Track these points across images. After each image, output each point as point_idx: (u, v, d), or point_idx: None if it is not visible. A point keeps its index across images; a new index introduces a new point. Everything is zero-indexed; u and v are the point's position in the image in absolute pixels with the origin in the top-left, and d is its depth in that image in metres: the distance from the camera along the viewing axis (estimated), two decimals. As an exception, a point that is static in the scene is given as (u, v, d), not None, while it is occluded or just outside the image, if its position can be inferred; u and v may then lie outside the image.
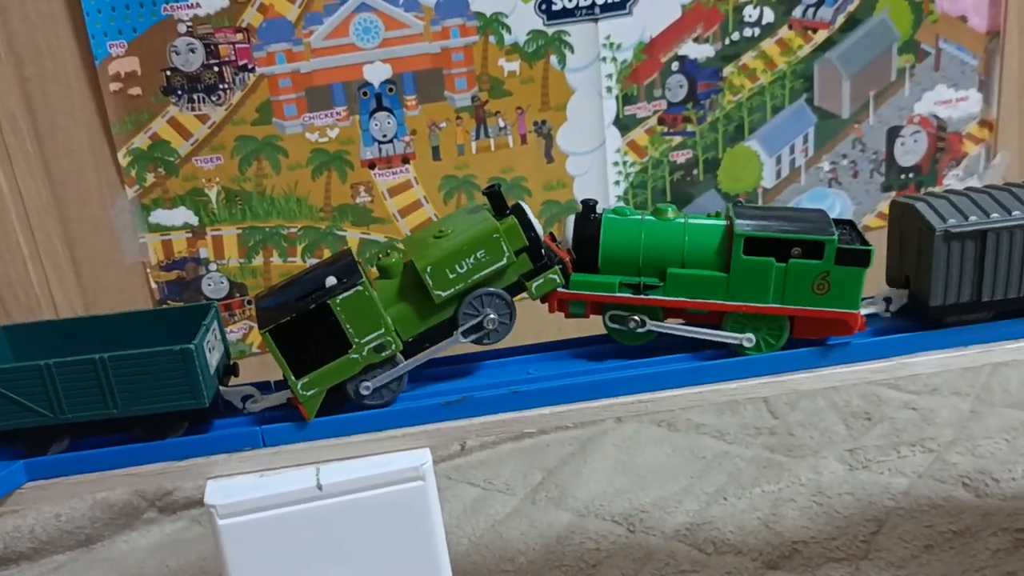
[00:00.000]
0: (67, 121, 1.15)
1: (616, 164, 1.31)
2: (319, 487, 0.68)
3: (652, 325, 0.72)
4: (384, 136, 1.24)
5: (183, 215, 1.21)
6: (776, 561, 1.03)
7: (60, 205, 1.18)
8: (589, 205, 0.73)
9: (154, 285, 1.23)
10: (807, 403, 1.31)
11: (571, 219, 0.73)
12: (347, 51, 1.20)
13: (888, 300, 0.75)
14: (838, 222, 0.73)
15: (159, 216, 1.21)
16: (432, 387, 0.74)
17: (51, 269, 1.18)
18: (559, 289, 0.72)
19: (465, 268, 0.68)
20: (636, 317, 0.72)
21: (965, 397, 1.29)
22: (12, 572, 1.14)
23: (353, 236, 1.27)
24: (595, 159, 1.31)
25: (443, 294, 0.69)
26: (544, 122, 1.27)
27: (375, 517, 0.69)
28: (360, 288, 0.67)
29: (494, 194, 0.70)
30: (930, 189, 1.24)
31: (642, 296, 0.72)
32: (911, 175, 1.40)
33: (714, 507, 1.13)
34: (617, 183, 1.32)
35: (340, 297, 0.67)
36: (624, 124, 1.30)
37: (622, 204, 0.75)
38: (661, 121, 1.31)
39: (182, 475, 0.70)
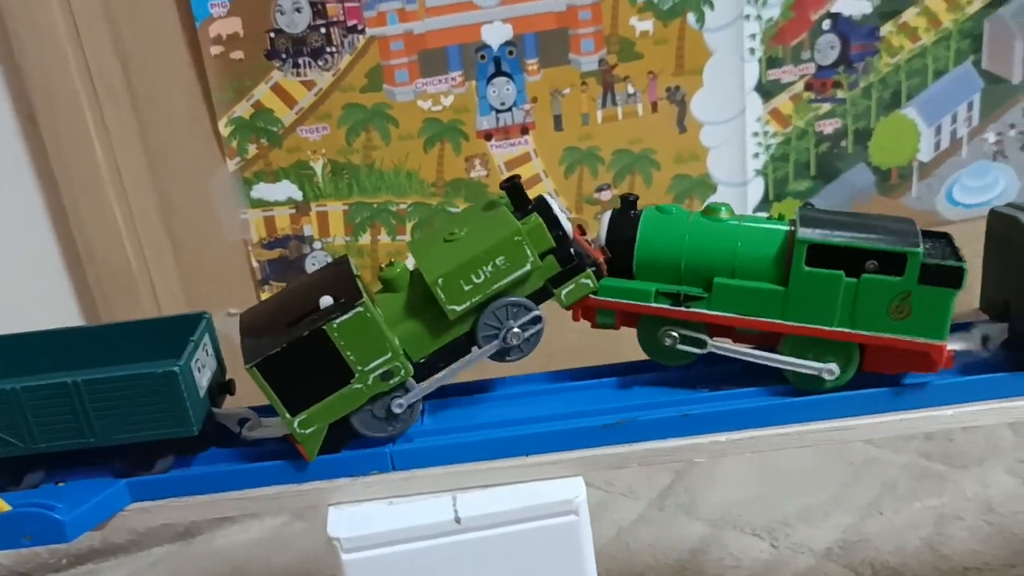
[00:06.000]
0: (166, 86, 1.07)
1: (756, 135, 1.18)
2: (457, 519, 0.59)
3: (715, 346, 0.62)
4: (502, 104, 1.13)
5: (287, 189, 1.13)
6: (946, 590, 0.91)
7: (157, 178, 1.10)
8: (629, 200, 0.64)
9: (255, 264, 1.16)
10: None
11: (606, 216, 0.64)
12: (464, 9, 1.09)
13: (986, 338, 0.62)
14: (929, 235, 0.61)
15: (261, 190, 1.13)
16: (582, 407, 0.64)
17: (148, 247, 1.10)
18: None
19: (482, 278, 0.59)
20: (675, 332, 0.62)
21: None
22: (111, 564, 1.09)
23: (466, 212, 1.17)
24: (733, 129, 1.18)
25: (458, 309, 0.59)
26: (678, 88, 1.15)
27: (519, 555, 0.61)
28: (360, 309, 0.58)
29: (513, 188, 0.61)
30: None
31: (681, 308, 0.62)
32: (1090, 148, 1.24)
33: (868, 522, 1.01)
34: (756, 155, 1.19)
35: (337, 321, 0.58)
36: (767, 90, 1.17)
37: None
38: (808, 86, 1.17)
39: (298, 500, 0.62)
